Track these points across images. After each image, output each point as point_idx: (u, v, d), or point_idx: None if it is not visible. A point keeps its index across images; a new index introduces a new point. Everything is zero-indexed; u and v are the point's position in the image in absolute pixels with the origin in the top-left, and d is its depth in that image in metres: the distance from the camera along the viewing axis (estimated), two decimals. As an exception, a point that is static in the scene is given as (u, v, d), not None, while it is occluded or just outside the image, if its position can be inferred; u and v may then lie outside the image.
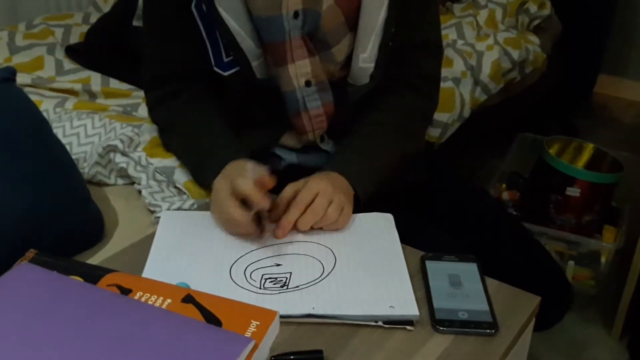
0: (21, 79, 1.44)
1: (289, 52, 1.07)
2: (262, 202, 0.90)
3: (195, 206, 1.04)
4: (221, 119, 1.11)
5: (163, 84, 1.13)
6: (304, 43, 1.07)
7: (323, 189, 0.96)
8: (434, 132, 1.89)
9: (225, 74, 1.08)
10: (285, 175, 1.03)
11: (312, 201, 0.94)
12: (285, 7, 1.03)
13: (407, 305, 0.81)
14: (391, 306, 0.81)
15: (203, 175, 1.04)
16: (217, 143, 1.07)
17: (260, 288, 0.84)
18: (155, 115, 1.17)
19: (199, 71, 1.11)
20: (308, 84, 1.10)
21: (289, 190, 0.98)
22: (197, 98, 1.12)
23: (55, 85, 1.48)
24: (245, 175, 0.92)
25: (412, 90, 1.14)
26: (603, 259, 1.88)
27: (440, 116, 1.89)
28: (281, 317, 0.78)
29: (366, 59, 1.08)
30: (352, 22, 1.07)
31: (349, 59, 1.10)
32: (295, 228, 0.94)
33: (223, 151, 1.04)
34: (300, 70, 1.09)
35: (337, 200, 0.96)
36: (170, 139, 1.15)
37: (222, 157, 1.01)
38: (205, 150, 1.05)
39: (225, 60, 1.07)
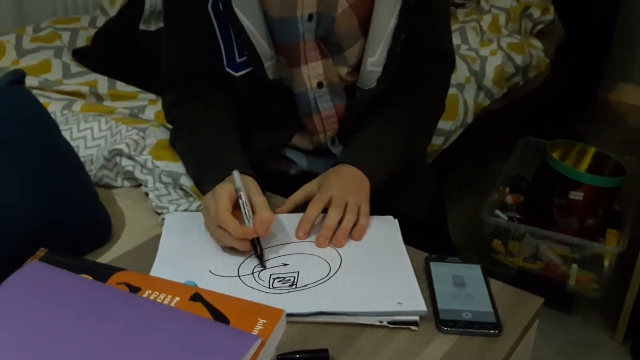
0: (28, 81, 1.44)
1: (303, 53, 1.08)
2: (262, 229, 0.88)
3: (202, 208, 1.04)
4: (233, 130, 1.10)
5: (181, 84, 1.12)
6: (317, 45, 1.09)
7: (336, 194, 0.97)
8: (436, 141, 1.90)
9: (237, 74, 1.09)
10: (295, 181, 1.04)
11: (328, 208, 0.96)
12: (300, 10, 1.04)
13: (414, 302, 0.82)
14: (399, 302, 0.82)
15: (203, 180, 1.02)
16: (223, 152, 1.05)
17: (269, 288, 0.85)
18: (171, 116, 1.16)
19: (215, 72, 1.11)
20: (320, 85, 1.12)
21: (299, 194, 1.00)
22: (214, 104, 1.11)
23: (62, 87, 1.49)
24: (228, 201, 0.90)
25: (423, 91, 1.16)
26: (606, 263, 1.88)
27: (443, 124, 1.90)
28: (292, 315, 0.79)
29: (374, 62, 1.09)
30: (365, 27, 1.08)
31: (359, 63, 1.11)
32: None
33: (227, 161, 1.01)
34: (312, 72, 1.10)
35: (352, 202, 0.97)
36: (179, 139, 1.14)
37: (225, 167, 0.99)
38: (210, 157, 1.04)
39: (238, 60, 1.08)
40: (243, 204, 0.90)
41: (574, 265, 1.89)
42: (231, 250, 0.92)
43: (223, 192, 0.91)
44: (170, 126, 1.19)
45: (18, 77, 0.99)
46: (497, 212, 2.02)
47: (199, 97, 1.11)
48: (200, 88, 1.12)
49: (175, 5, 1.10)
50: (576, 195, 1.85)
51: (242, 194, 0.90)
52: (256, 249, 0.90)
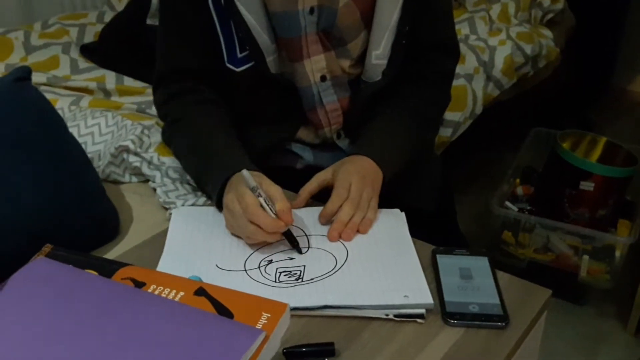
0: (37, 78, 1.46)
1: (305, 47, 1.08)
2: (289, 217, 0.90)
3: (209, 202, 1.05)
4: (231, 127, 1.09)
5: (176, 80, 1.11)
6: (319, 39, 1.08)
7: (355, 182, 0.97)
8: (445, 132, 1.89)
9: (238, 69, 1.08)
10: (302, 175, 1.04)
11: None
12: (302, 3, 1.04)
13: (421, 294, 0.82)
14: (405, 295, 0.82)
15: (205, 180, 1.03)
16: (224, 151, 1.04)
17: (275, 281, 0.85)
18: (164, 111, 1.14)
19: (212, 69, 1.10)
20: (323, 78, 1.12)
21: (314, 183, 1.01)
22: (209, 101, 1.11)
23: (70, 83, 1.50)
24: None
25: (429, 84, 1.16)
26: (618, 253, 1.86)
27: (452, 115, 1.89)
28: (298, 309, 0.79)
29: (379, 55, 1.09)
30: (368, 19, 1.08)
31: (363, 56, 1.11)
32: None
33: (230, 161, 1.01)
34: (315, 66, 1.10)
35: (365, 198, 0.97)
36: (176, 136, 1.12)
37: (228, 167, 0.98)
38: (212, 157, 1.03)
39: (240, 55, 1.07)
40: (265, 201, 0.90)
41: (585, 257, 1.87)
42: (237, 244, 0.93)
43: (246, 190, 0.90)
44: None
45: (24, 73, 1.00)
46: (507, 203, 2.01)
47: (192, 93, 1.10)
48: (193, 84, 1.11)
49: (171, 2, 1.09)
50: (587, 185, 1.83)
51: (260, 191, 0.90)
52: (290, 239, 0.92)
